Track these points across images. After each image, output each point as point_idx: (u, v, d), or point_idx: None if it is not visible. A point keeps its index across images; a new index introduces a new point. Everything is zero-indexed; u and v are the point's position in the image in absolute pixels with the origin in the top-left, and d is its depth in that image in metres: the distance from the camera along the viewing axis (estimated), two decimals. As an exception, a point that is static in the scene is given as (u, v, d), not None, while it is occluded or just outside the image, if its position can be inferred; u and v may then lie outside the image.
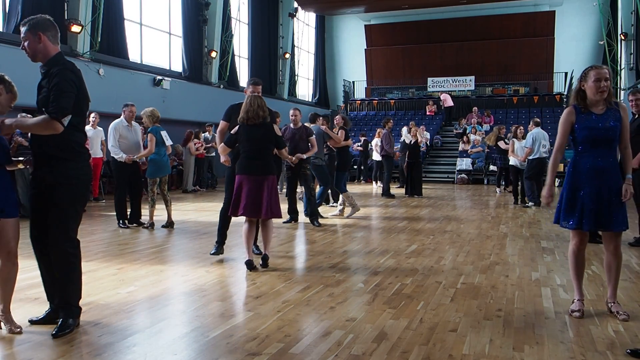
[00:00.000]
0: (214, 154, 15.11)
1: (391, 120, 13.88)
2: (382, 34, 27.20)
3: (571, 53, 23.96)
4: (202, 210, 10.41)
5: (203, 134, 14.95)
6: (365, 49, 27.50)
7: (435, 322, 3.83)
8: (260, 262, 5.50)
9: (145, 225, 7.98)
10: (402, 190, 14.18)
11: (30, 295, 4.46)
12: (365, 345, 3.39)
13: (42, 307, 4.05)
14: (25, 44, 3.42)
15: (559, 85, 24.35)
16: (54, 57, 3.42)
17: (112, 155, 8.10)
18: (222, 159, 5.72)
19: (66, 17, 13.30)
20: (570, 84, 22.11)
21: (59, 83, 3.28)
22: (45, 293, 3.75)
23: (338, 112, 22.26)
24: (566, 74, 23.29)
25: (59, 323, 3.49)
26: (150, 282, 4.94)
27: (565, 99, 21.93)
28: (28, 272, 5.21)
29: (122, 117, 8.16)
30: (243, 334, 3.63)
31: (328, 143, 9.17)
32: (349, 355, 3.22)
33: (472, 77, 24.56)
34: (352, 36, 28.04)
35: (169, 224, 8.07)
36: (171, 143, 8.32)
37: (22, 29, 3.42)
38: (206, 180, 15.12)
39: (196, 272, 5.35)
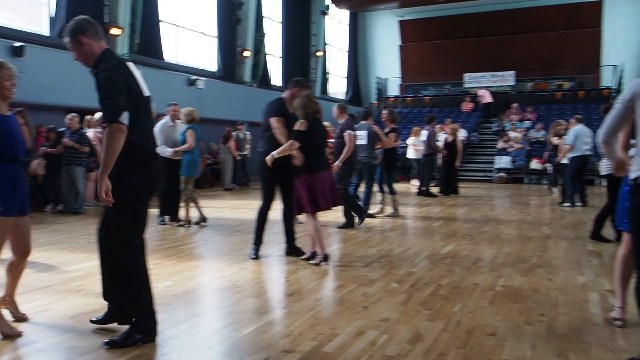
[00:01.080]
0: (247, 152, 15.24)
1: (435, 118, 13.64)
2: (417, 29, 26.88)
3: (621, 45, 22.86)
4: (236, 208, 10.52)
5: (234, 133, 15.08)
6: (399, 45, 27.25)
7: (472, 325, 3.76)
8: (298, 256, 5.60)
9: (181, 223, 8.08)
10: (437, 189, 13.93)
11: (74, 287, 4.60)
12: (399, 346, 3.36)
13: (85, 299, 4.18)
14: (74, 54, 3.34)
15: (607, 80, 23.39)
16: (99, 57, 3.30)
17: (160, 153, 8.23)
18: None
19: (106, 21, 13.61)
20: (621, 78, 21.28)
21: (102, 87, 3.18)
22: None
23: (370, 108, 22.10)
24: (615, 67, 22.37)
25: (124, 333, 3.37)
26: (186, 278, 5.02)
27: (614, 94, 21.03)
28: (71, 265, 5.38)
29: (167, 117, 8.30)
30: (276, 331, 3.66)
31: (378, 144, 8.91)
32: (383, 356, 3.20)
33: (512, 72, 23.74)
34: (386, 32, 27.80)
35: (202, 220, 8.18)
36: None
37: (66, 41, 3.35)
38: (239, 179, 15.26)
39: (230, 268, 5.41)
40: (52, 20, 12.69)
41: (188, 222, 8.07)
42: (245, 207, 10.52)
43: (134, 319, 3.35)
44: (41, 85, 10.81)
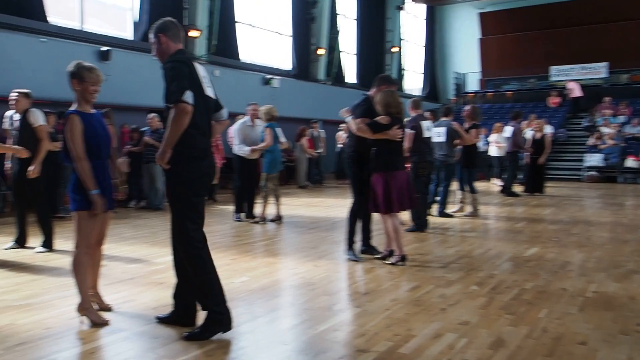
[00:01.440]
0: (321, 150, 15.32)
1: (521, 114, 13.04)
2: (498, 21, 25.86)
3: None
4: (310, 206, 10.57)
5: (309, 131, 15.17)
6: (478, 39, 26.38)
7: (560, 332, 3.53)
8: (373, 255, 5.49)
9: (257, 220, 8.21)
10: (521, 188, 13.24)
11: (156, 280, 4.77)
12: (479, 351, 3.21)
13: (166, 292, 4.31)
14: (153, 49, 3.53)
15: None
16: (172, 54, 3.44)
17: (234, 152, 8.46)
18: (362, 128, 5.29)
19: (185, 23, 14.13)
20: None
21: (168, 74, 3.29)
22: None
23: (450, 104, 21.55)
24: None
25: (199, 326, 3.41)
26: (261, 274, 5.07)
27: None
28: (153, 259, 5.60)
29: (246, 116, 8.49)
30: (351, 330, 3.61)
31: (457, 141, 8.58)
32: (462, 360, 3.07)
33: (605, 64, 22.06)
34: (465, 26, 26.99)
35: (278, 218, 8.26)
36: (284, 140, 8.48)
37: (150, 37, 3.57)
38: (313, 177, 15.36)
39: (305, 265, 5.41)
40: (136, 25, 13.32)
41: (263, 219, 8.18)
42: (320, 205, 10.57)
43: (207, 312, 3.36)
44: (125, 87, 11.37)
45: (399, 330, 3.55)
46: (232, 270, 5.18)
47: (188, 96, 3.21)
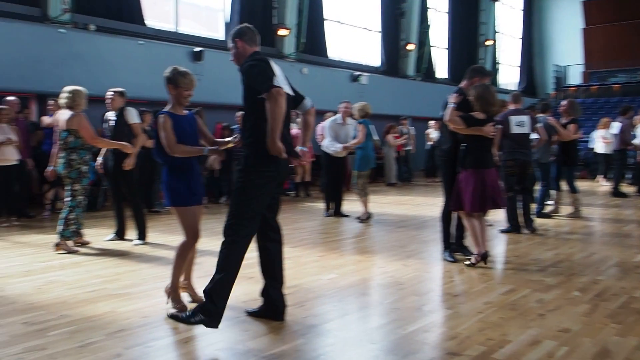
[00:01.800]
0: (410, 147, 15.08)
1: (631, 108, 12.02)
2: (604, 9, 24.13)
3: None
4: (399, 204, 10.42)
5: (398, 128, 14.96)
6: (581, 29, 24.76)
7: (674, 344, 3.21)
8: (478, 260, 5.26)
9: (358, 218, 8.06)
10: (634, 189, 12.09)
11: (246, 274, 4.85)
12: (582, 360, 2.99)
13: (256, 286, 4.40)
14: (231, 54, 3.62)
15: None
16: (249, 56, 3.51)
17: (323, 149, 8.54)
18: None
19: (274, 22, 14.43)
20: None
21: (249, 72, 3.36)
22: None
23: (548, 99, 20.44)
24: None
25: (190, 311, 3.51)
26: (349, 271, 5.05)
27: None
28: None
29: (338, 114, 8.54)
30: (441, 332, 3.51)
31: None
32: (562, 369, 2.87)
33: None
34: (565, 16, 25.43)
35: (367, 216, 8.17)
36: (377, 138, 8.39)
37: (228, 43, 3.68)
38: (402, 174, 15.15)
39: (393, 264, 5.33)
40: (227, 26, 13.77)
41: (367, 216, 8.02)
42: (409, 204, 10.40)
43: (205, 298, 3.38)
44: (217, 86, 11.78)
45: (492, 334, 3.39)
46: (320, 267, 5.21)
47: (277, 81, 3.29)
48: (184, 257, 3.83)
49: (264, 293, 3.68)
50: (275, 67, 3.49)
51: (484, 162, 5.12)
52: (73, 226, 5.78)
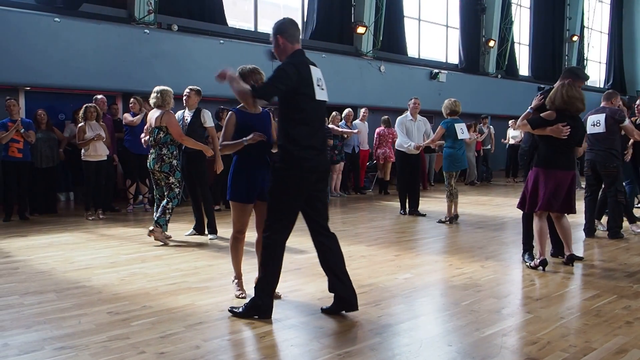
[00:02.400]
0: (489, 146, 14.64)
1: None
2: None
3: None
4: (479, 204, 10.12)
5: (478, 126, 14.53)
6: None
7: None
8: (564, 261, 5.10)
9: (443, 220, 7.83)
10: None
11: (321, 271, 4.89)
12: (679, 374, 2.77)
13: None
14: (274, 49, 3.70)
15: None
16: (289, 55, 3.59)
17: (397, 147, 8.48)
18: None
19: (352, 20, 14.42)
20: None
21: (274, 72, 3.45)
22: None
23: (638, 97, 19.13)
24: None
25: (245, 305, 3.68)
26: (426, 271, 4.97)
27: None
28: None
29: (407, 111, 8.44)
30: (521, 336, 3.37)
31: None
32: (656, 383, 2.68)
33: None
34: (658, 9, 23.75)
35: (455, 217, 7.85)
36: (467, 136, 8.08)
37: (270, 38, 3.71)
38: (481, 174, 14.72)
39: (471, 266, 5.18)
40: (305, 24, 13.90)
41: (452, 218, 7.78)
42: (488, 204, 10.09)
43: (253, 296, 3.63)
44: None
45: (575, 341, 3.23)
46: (395, 266, 5.15)
47: (265, 99, 3.46)
48: (235, 248, 4.10)
49: (332, 289, 3.75)
50: (315, 72, 3.56)
51: (553, 162, 4.90)
52: (168, 215, 6.11)
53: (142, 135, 6.44)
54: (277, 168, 3.55)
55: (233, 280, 4.20)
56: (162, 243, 6.03)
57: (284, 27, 3.64)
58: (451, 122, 7.72)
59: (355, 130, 10.98)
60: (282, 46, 3.61)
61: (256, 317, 3.60)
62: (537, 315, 3.73)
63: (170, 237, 6.28)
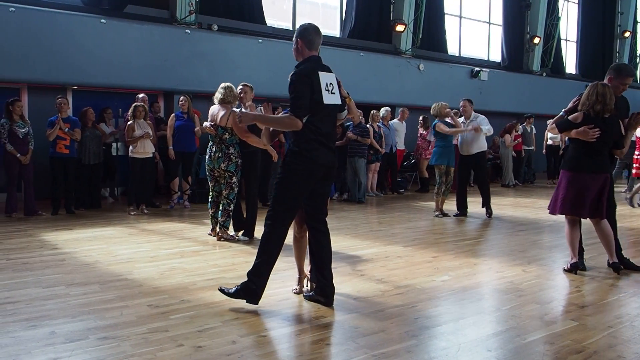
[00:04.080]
0: (532, 147, 14.28)
1: None
2: None
3: None
4: (519, 206, 9.88)
5: (521, 126, 14.17)
6: None
7: None
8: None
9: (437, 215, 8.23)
10: None
11: (357, 271, 4.90)
12: None
13: (366, 284, 4.40)
14: (293, 49, 3.90)
15: None
16: (302, 60, 3.82)
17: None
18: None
19: (391, 18, 14.27)
20: None
21: (290, 84, 3.69)
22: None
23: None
24: None
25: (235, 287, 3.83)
26: (464, 274, 4.86)
27: None
28: (354, 251, 5.75)
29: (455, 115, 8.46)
30: (565, 344, 3.24)
31: None
32: None
33: None
34: None
35: (441, 213, 8.27)
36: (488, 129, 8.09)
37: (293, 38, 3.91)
38: (523, 175, 14.36)
39: (512, 269, 5.05)
40: (343, 23, 13.84)
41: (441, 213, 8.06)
42: (530, 206, 9.83)
43: (246, 279, 3.77)
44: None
45: (625, 351, 3.10)
46: (433, 268, 5.06)
47: (303, 114, 3.65)
48: (299, 246, 4.15)
49: (314, 280, 3.98)
50: (324, 77, 3.74)
51: (579, 165, 4.79)
52: (227, 217, 6.18)
53: (208, 123, 6.27)
54: (288, 162, 3.76)
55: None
56: (229, 241, 6.12)
57: (307, 32, 3.84)
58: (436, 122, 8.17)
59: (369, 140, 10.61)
60: (300, 49, 3.84)
61: (245, 300, 3.74)
62: (583, 323, 3.60)
63: (234, 236, 6.28)
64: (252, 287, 3.74)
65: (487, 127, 8.07)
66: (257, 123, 4.16)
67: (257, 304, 3.74)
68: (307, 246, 4.09)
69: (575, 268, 4.84)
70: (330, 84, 3.78)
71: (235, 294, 3.78)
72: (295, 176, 3.74)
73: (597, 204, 4.77)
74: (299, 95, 3.65)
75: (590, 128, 4.64)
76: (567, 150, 5.07)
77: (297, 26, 4.03)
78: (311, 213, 3.93)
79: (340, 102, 3.89)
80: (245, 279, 3.78)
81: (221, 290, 3.88)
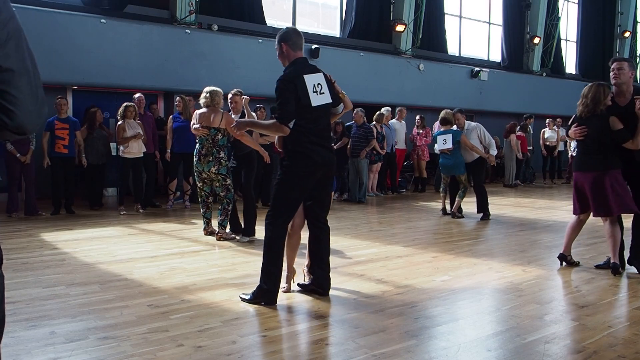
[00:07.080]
0: (531, 147, 14.28)
1: None
2: None
3: None
4: (519, 206, 9.88)
5: (522, 124, 14.17)
6: None
7: None
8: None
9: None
10: None
11: (357, 271, 4.89)
12: None
13: (366, 284, 4.40)
14: (277, 54, 3.94)
15: None
16: (288, 64, 3.86)
17: (436, 150, 8.49)
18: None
19: (391, 18, 14.28)
20: None
21: (277, 91, 3.75)
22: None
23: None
24: None
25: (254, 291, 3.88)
26: (464, 274, 4.86)
27: None
28: (354, 251, 5.76)
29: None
30: (565, 344, 3.24)
31: None
32: None
33: None
34: None
35: (444, 211, 8.39)
36: (447, 147, 8.12)
37: (275, 44, 3.95)
38: (522, 175, 14.36)
39: (512, 269, 5.05)
40: (343, 23, 13.85)
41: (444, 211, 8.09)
42: (529, 206, 9.83)
43: (259, 283, 3.85)
44: (334, 82, 11.91)
45: (624, 351, 3.09)
46: (433, 268, 5.07)
47: (291, 124, 3.71)
48: (289, 244, 4.12)
49: (311, 272, 4.11)
50: (311, 80, 3.77)
51: (575, 165, 5.04)
52: (225, 216, 6.21)
53: (194, 124, 6.27)
54: (286, 165, 3.83)
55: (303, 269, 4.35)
56: (229, 239, 6.16)
57: (288, 35, 3.88)
58: (437, 134, 8.25)
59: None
60: (286, 52, 3.88)
61: (262, 303, 3.79)
62: (583, 323, 3.59)
63: (233, 235, 6.30)
64: (265, 288, 3.81)
65: (493, 149, 8.44)
66: (251, 129, 4.19)
67: (274, 303, 3.82)
68: (299, 243, 4.22)
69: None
70: (319, 84, 3.81)
71: (253, 300, 3.84)
72: (294, 177, 3.80)
73: (596, 203, 4.76)
74: (284, 102, 3.71)
75: (576, 127, 4.82)
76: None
77: (297, 26, 4.08)
78: (312, 211, 4.00)
79: (331, 101, 3.93)
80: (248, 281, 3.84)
81: (242, 299, 3.91)
